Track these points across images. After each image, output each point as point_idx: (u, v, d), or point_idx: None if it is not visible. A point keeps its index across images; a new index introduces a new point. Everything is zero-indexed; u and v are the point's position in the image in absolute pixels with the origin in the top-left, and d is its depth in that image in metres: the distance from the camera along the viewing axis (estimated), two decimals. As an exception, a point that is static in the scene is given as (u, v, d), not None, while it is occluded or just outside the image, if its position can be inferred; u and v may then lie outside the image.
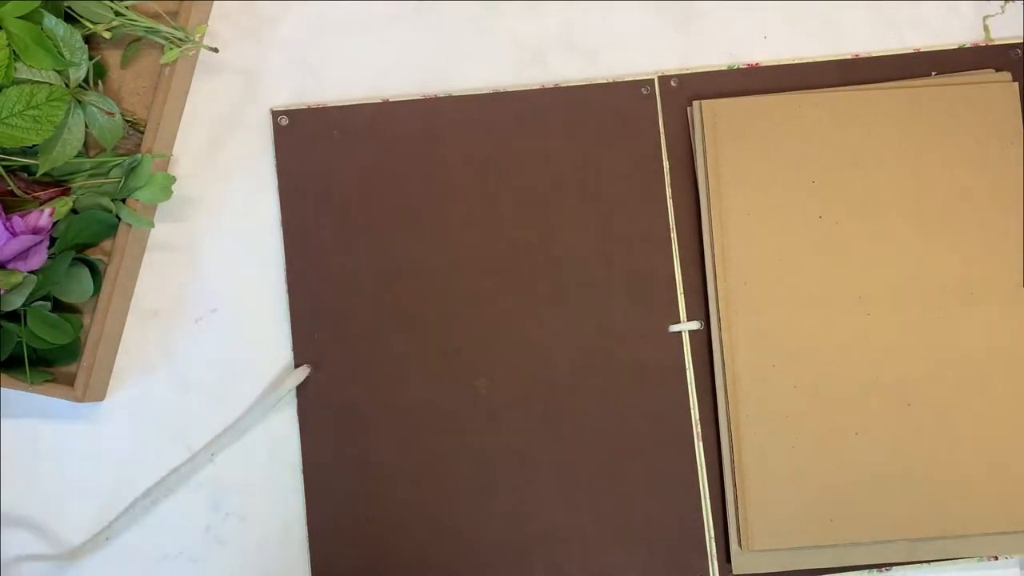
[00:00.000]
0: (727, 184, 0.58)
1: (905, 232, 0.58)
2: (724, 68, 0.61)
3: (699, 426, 0.58)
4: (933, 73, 0.61)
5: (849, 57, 0.61)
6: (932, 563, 0.56)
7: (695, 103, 0.60)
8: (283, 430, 0.59)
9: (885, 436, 0.56)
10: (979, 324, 0.57)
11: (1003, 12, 0.63)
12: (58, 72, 0.56)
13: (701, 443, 0.58)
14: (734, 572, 0.56)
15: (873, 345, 0.57)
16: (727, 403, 0.57)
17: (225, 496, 0.59)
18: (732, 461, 0.56)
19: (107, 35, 0.58)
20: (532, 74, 0.62)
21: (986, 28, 0.62)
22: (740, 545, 0.56)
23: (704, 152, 0.59)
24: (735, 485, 0.56)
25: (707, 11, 0.63)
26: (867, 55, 0.61)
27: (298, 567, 0.59)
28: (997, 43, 0.61)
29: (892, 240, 0.58)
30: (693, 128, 0.60)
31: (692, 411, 0.58)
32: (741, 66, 0.61)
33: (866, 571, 0.57)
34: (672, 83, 0.61)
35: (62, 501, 0.59)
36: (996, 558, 0.56)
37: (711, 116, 0.59)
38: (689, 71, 0.61)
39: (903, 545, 0.55)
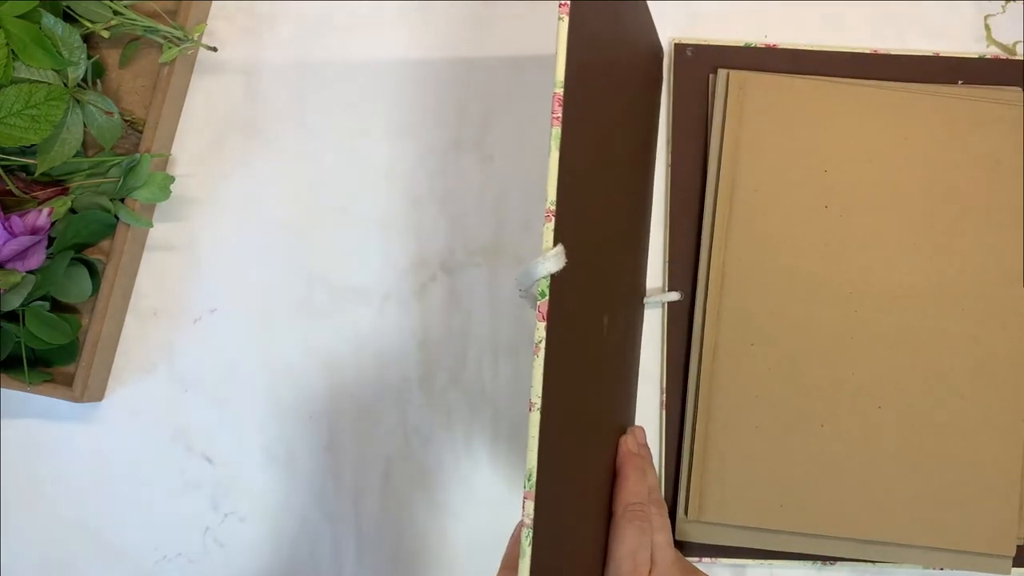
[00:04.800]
0: (742, 157, 0.58)
1: (906, 236, 0.57)
2: (741, 45, 0.61)
3: (665, 395, 0.58)
4: (960, 82, 0.60)
5: (868, 52, 0.61)
6: (878, 564, 0.56)
7: (721, 72, 0.60)
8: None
9: (850, 434, 0.56)
10: (965, 339, 0.57)
11: (1004, 12, 0.62)
12: (57, 71, 0.56)
13: (664, 412, 0.58)
14: (675, 538, 0.56)
15: (855, 342, 0.56)
16: (699, 375, 0.57)
17: (225, 497, 0.59)
18: (693, 432, 0.56)
19: (106, 34, 0.58)
20: (532, 72, 0.62)
21: (987, 28, 0.62)
22: (686, 513, 0.56)
23: (723, 121, 0.58)
24: (692, 455, 0.56)
25: (708, 11, 0.63)
26: (887, 52, 0.61)
27: (297, 568, 0.59)
28: (1018, 59, 0.61)
29: (892, 242, 0.57)
30: (714, 96, 0.60)
31: (661, 379, 0.59)
32: (759, 45, 0.61)
33: (811, 562, 0.57)
34: (688, 52, 0.61)
35: (62, 501, 0.59)
36: (943, 568, 0.56)
37: (737, 87, 0.59)
38: (706, 42, 0.61)
39: (849, 543, 0.55)
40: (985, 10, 0.63)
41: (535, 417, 0.35)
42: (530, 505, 0.34)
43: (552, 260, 0.35)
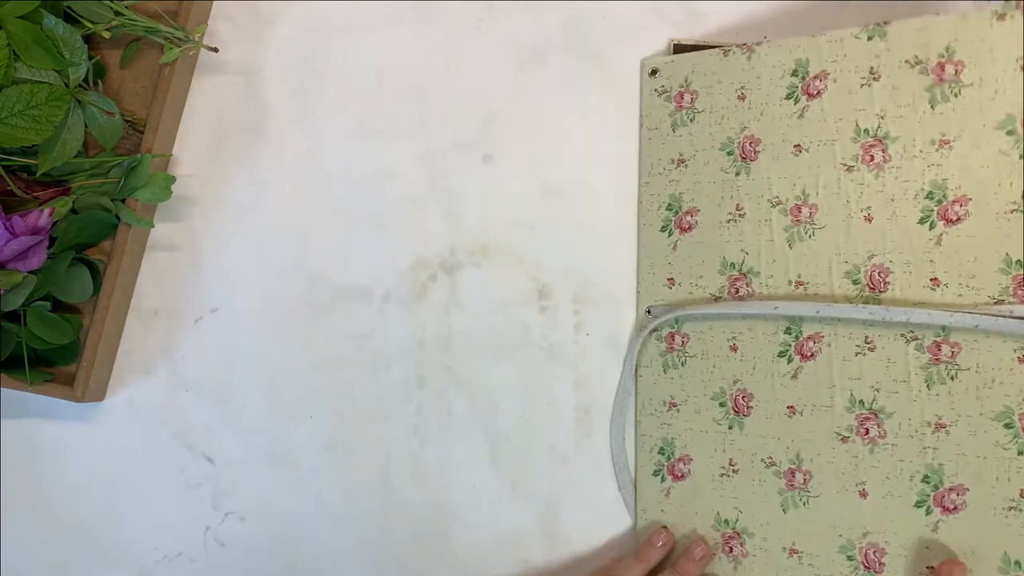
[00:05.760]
0: None
1: None
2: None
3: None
4: None
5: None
6: None
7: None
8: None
9: None
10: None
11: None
12: (58, 72, 0.56)
13: None
14: None
15: None
16: None
17: (225, 497, 0.59)
18: None
19: (107, 35, 0.58)
20: (532, 73, 0.62)
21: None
22: None
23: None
24: None
25: (707, 11, 0.63)
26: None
27: (297, 568, 0.59)
28: None
29: None
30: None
31: None
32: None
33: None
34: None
35: (62, 501, 0.59)
36: None
37: None
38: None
39: None
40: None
41: None
42: None
43: None
